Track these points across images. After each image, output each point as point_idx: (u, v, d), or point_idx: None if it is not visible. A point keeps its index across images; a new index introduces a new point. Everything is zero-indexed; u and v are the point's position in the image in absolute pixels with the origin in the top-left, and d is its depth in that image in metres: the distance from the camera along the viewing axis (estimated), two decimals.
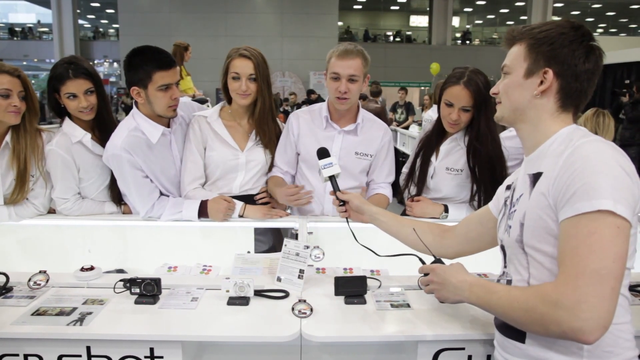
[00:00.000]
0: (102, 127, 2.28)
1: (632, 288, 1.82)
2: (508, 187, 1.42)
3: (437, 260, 1.51)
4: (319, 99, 11.77)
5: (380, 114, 8.49)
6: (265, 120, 2.41)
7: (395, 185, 2.54)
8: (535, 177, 1.24)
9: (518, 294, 1.18)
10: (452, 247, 1.64)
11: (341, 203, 1.89)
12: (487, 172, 2.18)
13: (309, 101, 12.29)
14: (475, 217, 1.62)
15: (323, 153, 1.94)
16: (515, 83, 1.29)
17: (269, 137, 2.42)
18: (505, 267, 1.38)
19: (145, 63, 2.11)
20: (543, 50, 1.23)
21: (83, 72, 2.17)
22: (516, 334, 1.25)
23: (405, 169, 2.51)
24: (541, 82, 1.24)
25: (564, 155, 1.16)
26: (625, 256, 1.07)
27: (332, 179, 1.91)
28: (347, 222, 1.89)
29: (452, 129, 2.25)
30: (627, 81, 10.66)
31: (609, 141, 1.19)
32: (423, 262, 1.55)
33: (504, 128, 2.49)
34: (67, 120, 2.25)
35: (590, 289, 1.03)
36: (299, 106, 12.15)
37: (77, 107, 2.18)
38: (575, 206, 1.09)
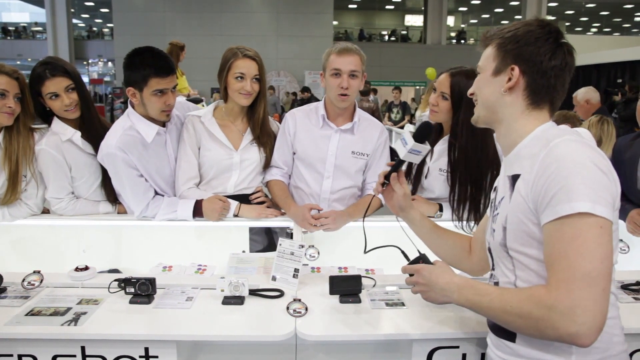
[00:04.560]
0: (87, 126, 2.26)
1: (626, 286, 1.83)
2: (495, 189, 1.43)
3: (422, 256, 1.46)
4: (312, 98, 11.72)
5: (374, 112, 8.52)
6: (266, 119, 2.44)
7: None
8: (514, 179, 1.25)
9: (510, 298, 1.17)
10: (476, 262, 1.57)
11: (383, 184, 1.67)
12: (463, 168, 2.17)
13: (301, 101, 12.19)
14: (481, 227, 1.58)
15: (424, 135, 1.59)
16: (485, 80, 1.32)
17: (268, 136, 2.44)
18: (492, 269, 1.39)
19: (144, 67, 2.10)
20: (510, 49, 1.25)
21: (60, 70, 2.16)
22: (507, 333, 1.26)
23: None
24: (509, 80, 1.26)
25: (539, 157, 1.16)
26: (611, 255, 1.08)
27: (402, 163, 1.65)
28: (365, 211, 1.78)
29: (432, 116, 2.28)
30: (620, 80, 10.73)
31: (584, 140, 1.19)
32: (407, 257, 1.50)
33: None
34: (55, 120, 2.24)
35: (583, 293, 1.04)
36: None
37: (61, 106, 2.17)
38: (555, 209, 1.09)
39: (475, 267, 1.58)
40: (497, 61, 1.28)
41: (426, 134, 1.57)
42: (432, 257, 1.51)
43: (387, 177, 1.64)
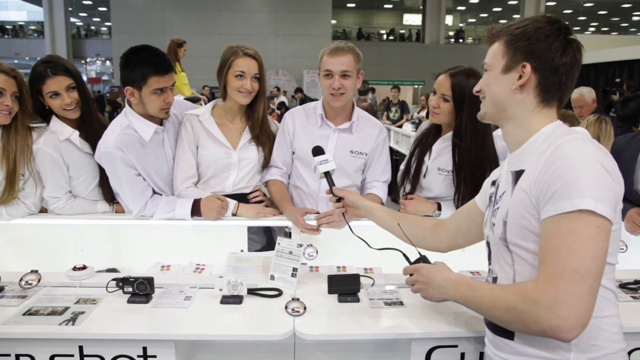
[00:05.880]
0: (87, 125, 2.26)
1: (624, 285, 1.84)
2: (493, 183, 1.43)
3: (422, 257, 1.52)
4: (306, 99, 11.71)
5: (369, 112, 8.48)
6: (266, 118, 2.44)
7: (389, 184, 2.54)
8: (518, 175, 1.25)
9: (499, 293, 1.20)
10: (444, 241, 1.66)
11: (337, 199, 1.90)
12: (468, 168, 2.18)
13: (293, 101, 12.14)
14: (463, 211, 1.63)
15: (318, 151, 1.96)
16: (494, 78, 1.30)
17: (267, 135, 2.44)
18: (490, 264, 1.39)
19: (142, 65, 2.09)
20: (520, 46, 1.24)
21: (62, 69, 2.16)
22: (505, 331, 1.27)
23: (402, 167, 2.51)
24: (520, 77, 1.25)
25: (546, 154, 1.16)
26: (604, 255, 1.09)
27: (328, 175, 1.92)
28: (344, 217, 1.90)
29: (433, 118, 2.28)
30: (618, 79, 10.73)
31: (592, 139, 1.20)
32: (408, 259, 1.55)
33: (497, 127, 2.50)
34: (54, 119, 2.23)
35: (569, 289, 1.05)
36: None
37: (61, 105, 2.16)
38: (556, 205, 1.10)
39: (441, 245, 1.67)
40: (506, 58, 1.27)
41: (318, 150, 1.97)
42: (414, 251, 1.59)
43: (334, 194, 1.90)
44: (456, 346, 1.57)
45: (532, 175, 1.18)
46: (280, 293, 1.77)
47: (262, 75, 2.32)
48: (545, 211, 1.13)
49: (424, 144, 2.38)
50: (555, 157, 1.13)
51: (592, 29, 27.53)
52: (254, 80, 2.29)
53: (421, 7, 22.98)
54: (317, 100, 2.46)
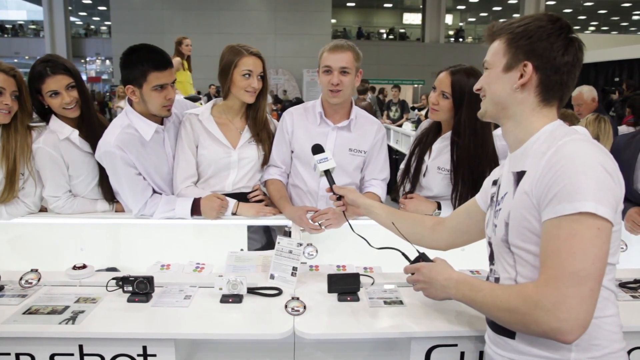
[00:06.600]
0: (86, 124, 2.26)
1: (624, 285, 1.84)
2: (494, 183, 1.43)
3: (422, 255, 1.52)
4: (287, 105, 11.67)
5: (368, 111, 8.49)
6: (265, 117, 2.45)
7: (389, 183, 2.54)
8: (519, 176, 1.24)
9: (501, 293, 1.21)
10: (444, 239, 1.66)
11: (338, 197, 1.91)
12: (466, 166, 2.18)
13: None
14: (463, 210, 1.63)
15: (317, 149, 1.97)
16: (495, 76, 1.29)
17: (267, 133, 2.45)
18: (492, 264, 1.39)
19: (141, 62, 2.10)
20: (521, 44, 1.24)
21: (61, 68, 2.16)
22: (506, 330, 1.27)
23: (402, 166, 2.52)
24: (521, 76, 1.24)
25: (547, 155, 1.16)
26: (605, 257, 1.09)
27: (328, 173, 1.93)
28: (344, 215, 1.90)
29: (432, 115, 2.28)
30: (618, 79, 10.73)
31: (593, 140, 1.20)
32: (407, 258, 1.55)
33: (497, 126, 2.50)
34: (53, 118, 2.23)
35: (569, 291, 1.06)
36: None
37: (61, 104, 2.16)
38: (557, 208, 1.10)
39: (441, 243, 1.67)
40: (508, 57, 1.26)
41: (318, 148, 1.96)
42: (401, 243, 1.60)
43: (334, 192, 1.89)
44: (456, 345, 1.57)
45: (532, 177, 1.18)
46: (280, 292, 1.77)
47: (265, 73, 2.33)
48: (546, 213, 1.12)
49: (424, 143, 2.39)
50: (556, 159, 1.13)
51: (592, 28, 27.53)
52: (259, 79, 2.30)
53: (421, 7, 22.97)
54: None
